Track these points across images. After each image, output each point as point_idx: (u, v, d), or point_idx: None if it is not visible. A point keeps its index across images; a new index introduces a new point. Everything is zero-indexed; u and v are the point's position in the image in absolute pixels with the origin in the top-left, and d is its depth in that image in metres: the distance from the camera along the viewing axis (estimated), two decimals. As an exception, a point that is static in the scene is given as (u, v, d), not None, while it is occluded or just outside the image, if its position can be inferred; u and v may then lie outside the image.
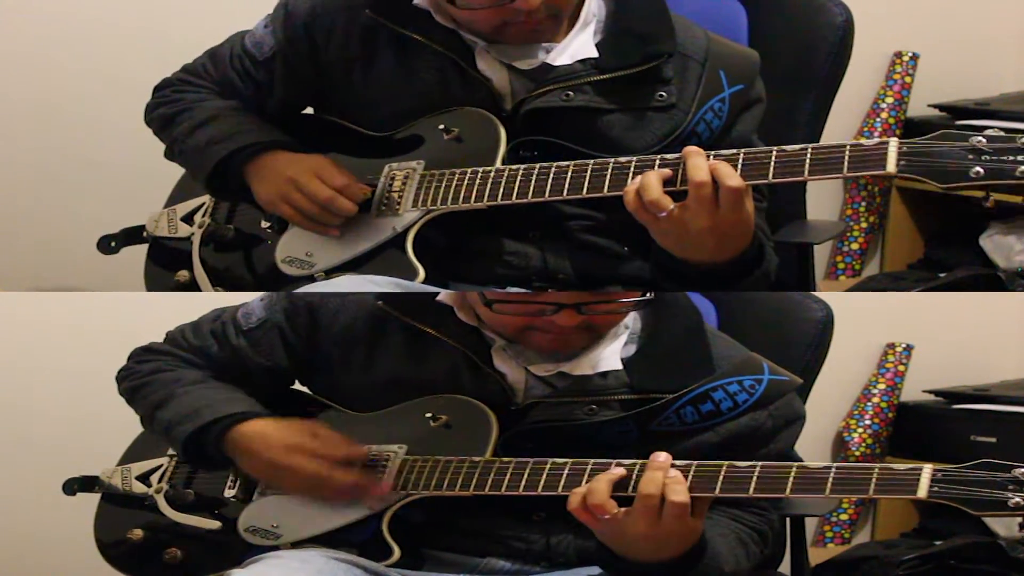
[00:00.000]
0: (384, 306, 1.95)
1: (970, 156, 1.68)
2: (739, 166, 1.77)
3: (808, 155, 1.75)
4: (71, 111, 3.04)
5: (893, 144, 1.71)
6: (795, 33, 2.35)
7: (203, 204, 2.18)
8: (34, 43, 3.01)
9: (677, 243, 1.81)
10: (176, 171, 2.24)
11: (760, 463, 1.72)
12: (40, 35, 3.02)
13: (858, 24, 2.32)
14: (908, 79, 3.44)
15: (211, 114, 2.09)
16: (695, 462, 1.74)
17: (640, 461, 1.75)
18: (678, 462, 1.73)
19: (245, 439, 1.93)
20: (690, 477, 1.72)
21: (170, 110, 2.13)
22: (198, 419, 1.94)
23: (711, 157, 1.77)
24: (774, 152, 1.77)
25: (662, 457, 1.73)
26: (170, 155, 2.16)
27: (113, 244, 2.25)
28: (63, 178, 3.08)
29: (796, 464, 1.71)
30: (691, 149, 1.79)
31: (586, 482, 1.75)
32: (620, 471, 1.74)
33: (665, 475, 1.71)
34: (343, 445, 1.91)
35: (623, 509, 1.72)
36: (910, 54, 3.44)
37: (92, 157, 3.06)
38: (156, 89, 2.19)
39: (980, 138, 1.68)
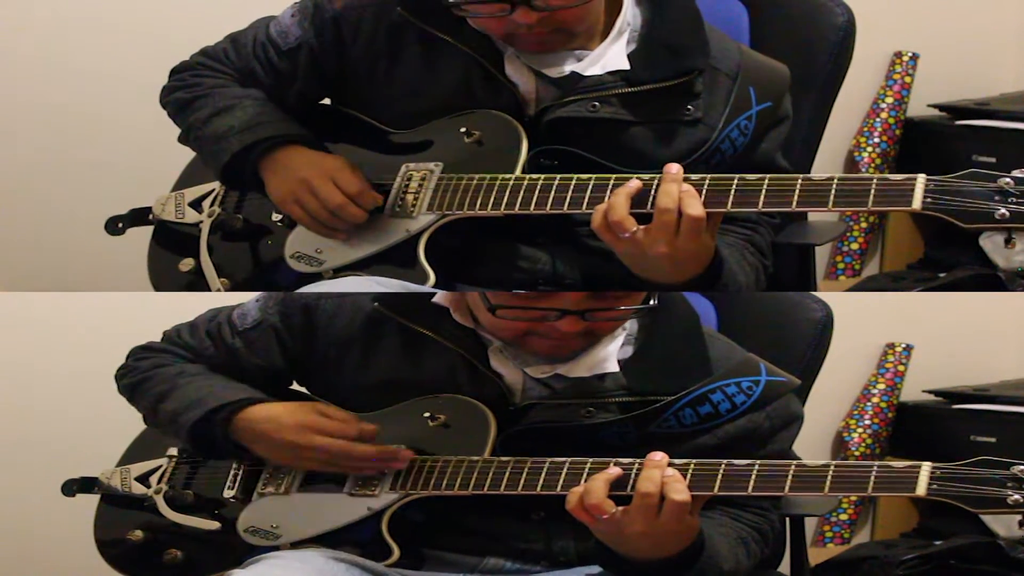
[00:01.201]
0: (380, 307, 1.95)
1: (996, 197, 1.68)
2: (763, 192, 1.77)
3: (834, 186, 1.74)
4: (71, 111, 3.04)
5: (920, 181, 1.71)
6: (796, 33, 2.35)
7: (212, 191, 2.17)
8: (34, 43, 3.01)
9: (634, 262, 1.82)
10: (177, 168, 2.24)
11: (758, 461, 1.73)
12: (40, 35, 3.02)
13: (859, 24, 2.32)
14: (908, 79, 3.44)
15: (230, 102, 2.06)
16: (693, 460, 1.74)
17: (638, 460, 1.75)
18: (677, 461, 1.74)
19: (255, 423, 1.93)
20: (689, 476, 1.72)
21: (188, 94, 2.10)
22: (204, 406, 1.94)
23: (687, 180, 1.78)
24: (799, 181, 1.76)
25: (658, 456, 1.73)
26: (185, 140, 2.13)
27: (120, 225, 2.25)
28: (63, 178, 3.08)
29: (795, 462, 1.72)
30: (669, 173, 1.79)
31: (584, 481, 1.75)
32: (617, 471, 1.75)
33: (663, 474, 1.71)
34: (354, 422, 1.91)
35: (621, 508, 1.72)
36: (910, 54, 3.44)
37: (92, 157, 3.06)
38: (174, 72, 2.15)
39: (1008, 179, 1.68)
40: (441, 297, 1.94)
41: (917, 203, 1.70)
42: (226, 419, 1.93)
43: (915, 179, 1.71)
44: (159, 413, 2.02)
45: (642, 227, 1.78)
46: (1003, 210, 1.68)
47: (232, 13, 2.23)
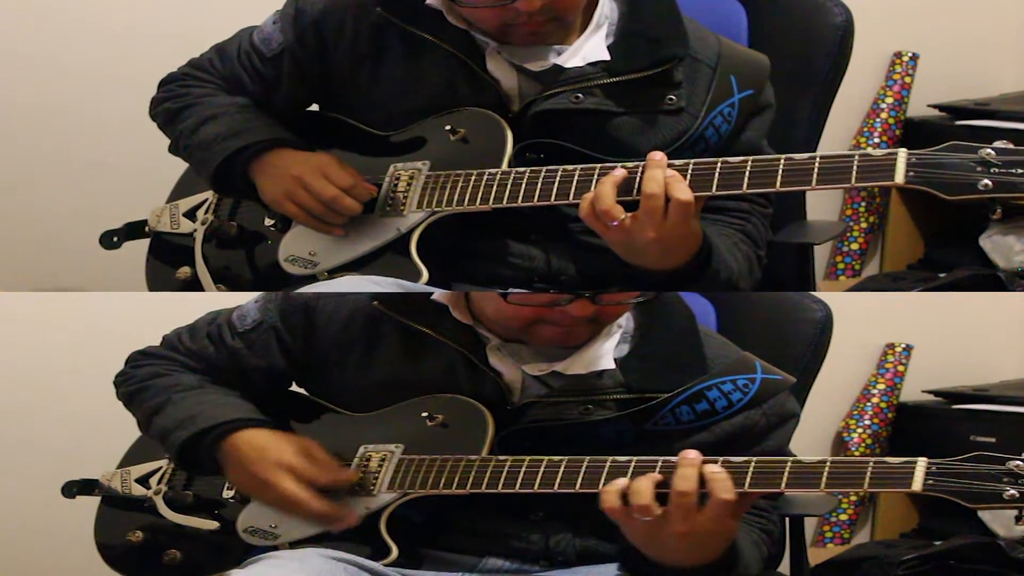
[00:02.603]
0: (380, 306, 1.95)
1: (979, 168, 1.68)
2: (747, 174, 1.77)
3: (816, 164, 1.75)
4: (71, 111, 3.05)
5: (902, 155, 1.71)
6: (795, 33, 2.36)
7: (206, 200, 2.18)
8: (34, 43, 3.02)
9: (624, 250, 1.84)
10: (177, 169, 2.24)
11: (755, 458, 1.73)
12: (40, 35, 3.02)
13: (858, 24, 2.33)
14: (908, 79, 3.44)
15: (217, 110, 2.09)
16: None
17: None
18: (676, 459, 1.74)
19: (237, 449, 1.93)
20: None
21: (176, 105, 2.13)
22: (192, 426, 1.94)
23: (670, 167, 1.79)
24: (782, 160, 1.77)
25: (692, 454, 1.72)
26: (175, 150, 2.15)
27: (115, 239, 2.25)
28: (63, 178, 3.08)
29: (791, 458, 1.71)
30: (653, 160, 1.80)
31: (581, 483, 1.75)
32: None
33: (707, 471, 1.69)
34: (331, 471, 1.90)
35: (657, 504, 1.70)
36: (910, 54, 3.44)
37: (92, 157, 3.07)
38: (162, 83, 2.18)
39: (989, 150, 1.68)
40: (440, 295, 1.94)
41: (900, 177, 1.70)
42: (214, 441, 1.93)
43: (896, 153, 1.71)
44: (152, 427, 2.02)
45: (630, 214, 1.79)
46: (986, 180, 1.67)
47: (232, 12, 2.24)
